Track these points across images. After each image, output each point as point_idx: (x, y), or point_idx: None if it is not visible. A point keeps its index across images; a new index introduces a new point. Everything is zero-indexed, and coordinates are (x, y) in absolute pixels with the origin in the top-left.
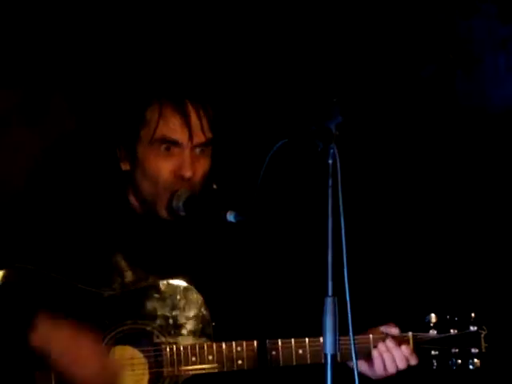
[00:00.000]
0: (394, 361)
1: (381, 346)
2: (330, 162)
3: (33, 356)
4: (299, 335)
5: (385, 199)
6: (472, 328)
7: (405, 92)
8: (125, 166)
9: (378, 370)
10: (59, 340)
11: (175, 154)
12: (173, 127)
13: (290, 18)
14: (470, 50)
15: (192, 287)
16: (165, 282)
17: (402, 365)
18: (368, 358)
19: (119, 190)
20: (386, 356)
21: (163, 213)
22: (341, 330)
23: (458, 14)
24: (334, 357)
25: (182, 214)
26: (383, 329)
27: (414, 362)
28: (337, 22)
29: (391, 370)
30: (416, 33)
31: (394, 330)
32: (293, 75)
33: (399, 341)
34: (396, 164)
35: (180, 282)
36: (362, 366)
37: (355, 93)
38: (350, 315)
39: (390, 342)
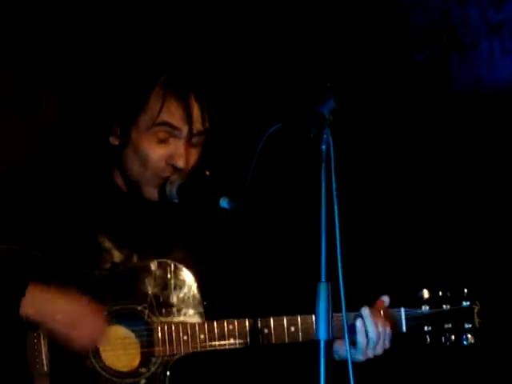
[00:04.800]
0: (376, 329)
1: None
2: (324, 147)
3: (24, 324)
4: (291, 314)
5: (377, 183)
6: (465, 303)
7: (398, 77)
8: (114, 141)
9: (362, 345)
10: (52, 303)
11: (170, 143)
12: (176, 114)
13: (283, 6)
14: (464, 36)
15: (183, 267)
16: (155, 261)
17: (385, 332)
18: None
19: (104, 167)
20: (369, 324)
21: (150, 195)
22: (332, 308)
23: (452, 0)
24: (327, 343)
25: (176, 200)
26: (376, 304)
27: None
28: (329, 7)
29: (374, 339)
30: (409, 18)
31: (386, 300)
32: (286, 60)
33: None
34: (389, 149)
35: (171, 262)
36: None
37: (349, 78)
38: (343, 299)
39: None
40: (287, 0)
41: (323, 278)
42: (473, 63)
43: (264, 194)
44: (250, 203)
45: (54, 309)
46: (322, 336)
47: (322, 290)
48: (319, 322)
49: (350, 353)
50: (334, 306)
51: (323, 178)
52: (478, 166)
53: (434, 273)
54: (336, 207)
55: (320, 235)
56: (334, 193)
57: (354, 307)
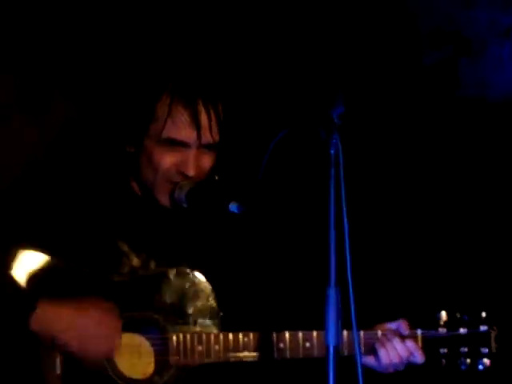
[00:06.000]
0: (398, 354)
1: (384, 339)
2: (332, 151)
3: (35, 339)
4: (306, 326)
5: (390, 190)
6: (482, 328)
7: (407, 81)
8: (130, 149)
9: (385, 363)
10: (63, 318)
11: (181, 151)
12: (181, 127)
13: (292, 10)
14: (473, 39)
15: (201, 276)
16: (174, 269)
17: (406, 358)
18: (376, 353)
19: (123, 173)
20: (390, 349)
21: (164, 201)
22: (349, 324)
23: (461, 3)
24: (336, 348)
25: (185, 205)
26: (393, 325)
27: (420, 359)
28: (338, 11)
29: (396, 363)
30: (418, 22)
31: (405, 328)
32: (295, 65)
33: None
34: (399, 154)
35: (190, 271)
36: (370, 360)
37: (358, 82)
38: (353, 309)
39: (392, 337)
40: (296, 4)
41: (332, 284)
42: (481, 67)
43: (273, 198)
44: (259, 207)
45: (65, 323)
46: (331, 341)
47: (332, 296)
48: (328, 328)
49: (363, 369)
50: (348, 321)
51: (332, 183)
52: (496, 179)
53: (452, 295)
54: (345, 212)
55: (329, 239)
56: (343, 197)
57: (371, 323)
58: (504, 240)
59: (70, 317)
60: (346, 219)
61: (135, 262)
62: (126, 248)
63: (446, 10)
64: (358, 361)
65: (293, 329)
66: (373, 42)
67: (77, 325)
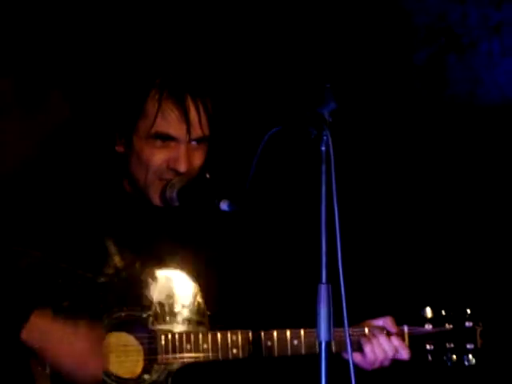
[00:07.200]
0: (384, 351)
1: (370, 336)
2: (324, 148)
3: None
4: (294, 325)
5: (379, 188)
6: (468, 324)
7: (398, 78)
8: (119, 149)
9: (370, 360)
10: (57, 337)
11: (171, 147)
12: (171, 122)
13: (283, 6)
14: (463, 36)
15: (188, 275)
16: (162, 269)
17: (392, 354)
18: (361, 349)
19: (114, 174)
20: (376, 346)
21: (156, 200)
22: (336, 321)
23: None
24: (328, 344)
25: (176, 203)
26: (380, 322)
27: (406, 355)
28: (328, 8)
29: (382, 359)
30: (408, 18)
31: (391, 325)
32: (285, 62)
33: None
34: (389, 150)
35: (176, 270)
36: (356, 357)
37: (348, 79)
38: (344, 305)
39: (378, 333)
40: (287, 0)
41: (324, 280)
42: (472, 64)
43: (264, 196)
44: (250, 205)
45: (59, 344)
46: (324, 337)
47: (323, 292)
48: (320, 324)
49: (353, 366)
50: (337, 319)
51: (323, 180)
52: (482, 176)
53: (437, 291)
54: (336, 209)
55: (320, 236)
56: (334, 194)
57: (358, 320)
58: (487, 236)
59: (66, 339)
60: (337, 216)
61: (121, 262)
62: (113, 248)
63: (437, 5)
64: (350, 358)
65: (281, 327)
66: (364, 39)
67: (72, 349)
